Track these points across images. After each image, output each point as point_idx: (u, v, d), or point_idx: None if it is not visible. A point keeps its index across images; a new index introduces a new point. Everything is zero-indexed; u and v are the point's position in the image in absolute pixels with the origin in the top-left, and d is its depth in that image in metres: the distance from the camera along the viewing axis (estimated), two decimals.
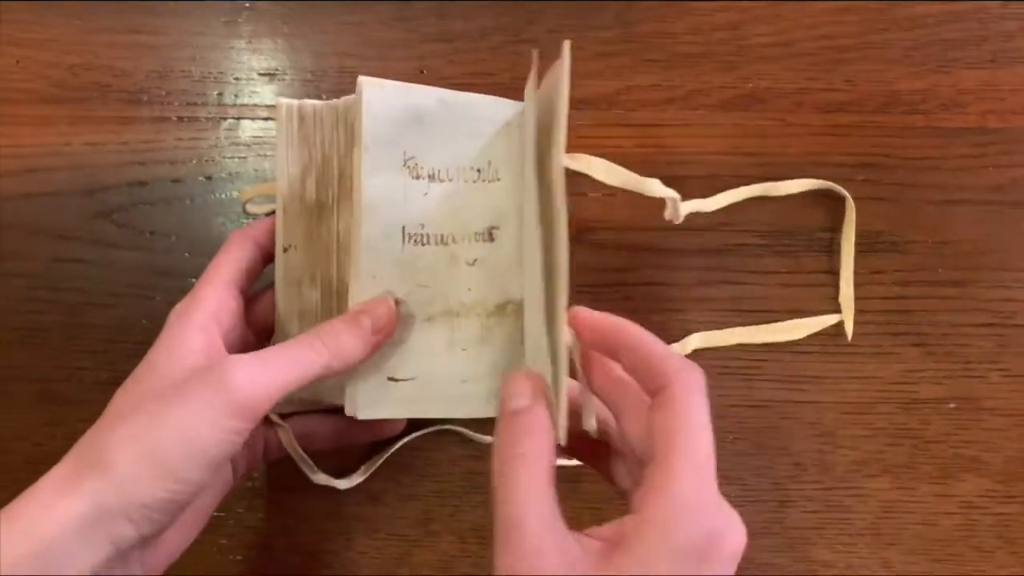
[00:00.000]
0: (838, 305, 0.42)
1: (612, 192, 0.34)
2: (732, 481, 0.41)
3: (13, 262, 0.42)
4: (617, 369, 0.30)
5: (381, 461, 0.40)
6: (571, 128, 0.42)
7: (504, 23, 0.43)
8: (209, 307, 0.32)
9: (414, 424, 0.40)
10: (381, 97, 0.33)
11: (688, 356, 0.40)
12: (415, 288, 0.34)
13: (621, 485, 0.31)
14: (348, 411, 0.34)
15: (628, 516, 0.26)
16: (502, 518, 0.26)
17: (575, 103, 0.42)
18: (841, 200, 0.42)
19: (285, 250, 0.35)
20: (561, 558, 0.25)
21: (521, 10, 0.43)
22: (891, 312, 0.42)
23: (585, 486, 0.40)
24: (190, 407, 0.28)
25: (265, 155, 0.43)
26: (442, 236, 0.34)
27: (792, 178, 0.42)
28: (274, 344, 0.35)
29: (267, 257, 0.35)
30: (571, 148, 0.42)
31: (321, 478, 0.38)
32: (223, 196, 0.42)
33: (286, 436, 0.36)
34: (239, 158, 0.43)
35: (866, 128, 0.42)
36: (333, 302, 0.35)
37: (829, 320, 0.41)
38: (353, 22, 0.43)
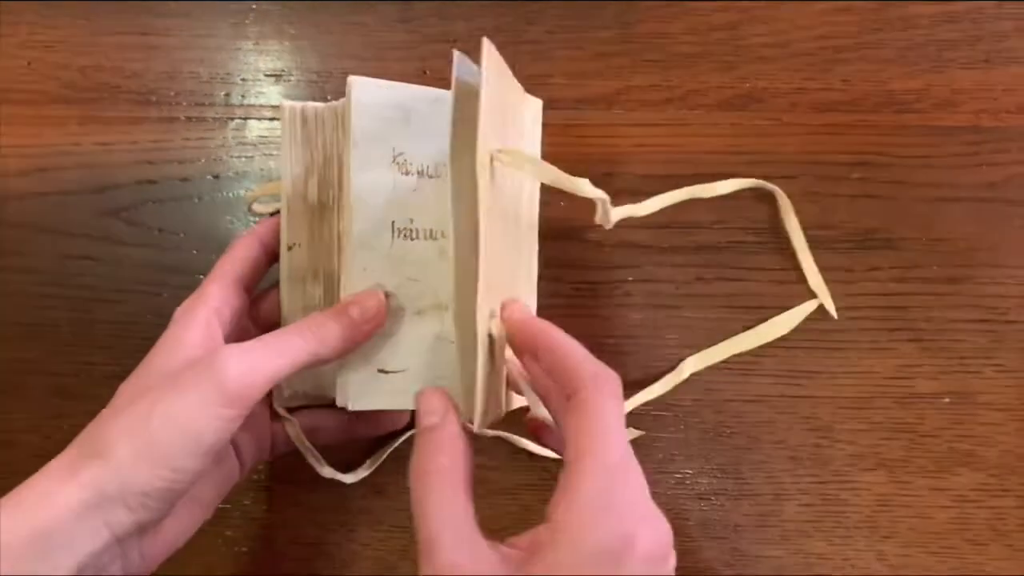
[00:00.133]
0: (833, 300, 0.42)
1: None
2: (729, 475, 0.42)
3: (24, 259, 0.43)
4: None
5: (386, 455, 0.41)
6: (571, 128, 0.43)
7: (504, 24, 0.44)
8: (212, 303, 0.32)
9: None
10: (370, 95, 0.34)
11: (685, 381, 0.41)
12: (405, 282, 0.35)
13: None
14: (339, 402, 0.35)
15: (543, 524, 0.26)
16: (420, 535, 0.26)
17: (574, 103, 0.43)
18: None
19: (289, 248, 0.36)
20: (477, 571, 0.25)
21: (521, 11, 0.44)
22: (886, 308, 0.42)
23: None
24: (184, 397, 0.29)
25: (271, 154, 0.44)
26: (431, 231, 0.35)
27: (789, 177, 0.42)
28: None
29: (272, 255, 0.36)
30: (571, 148, 0.43)
31: (328, 471, 0.38)
32: (230, 195, 0.43)
33: (294, 430, 0.37)
34: (246, 157, 0.44)
35: (861, 127, 0.43)
36: (336, 298, 0.36)
37: (808, 307, 0.42)
38: (356, 23, 0.44)
